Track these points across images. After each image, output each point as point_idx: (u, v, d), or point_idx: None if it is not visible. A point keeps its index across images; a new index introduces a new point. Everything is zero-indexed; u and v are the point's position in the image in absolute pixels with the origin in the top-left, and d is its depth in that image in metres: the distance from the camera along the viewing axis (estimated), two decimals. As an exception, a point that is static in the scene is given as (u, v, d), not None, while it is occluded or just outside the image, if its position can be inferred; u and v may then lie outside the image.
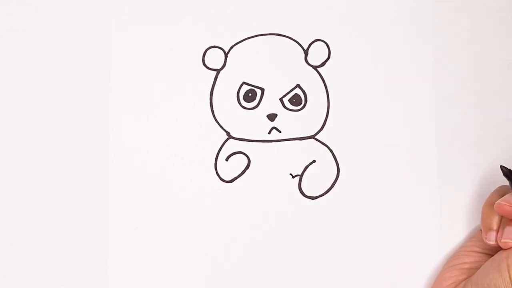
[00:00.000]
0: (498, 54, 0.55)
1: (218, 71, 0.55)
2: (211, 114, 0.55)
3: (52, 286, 0.53)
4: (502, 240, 0.49)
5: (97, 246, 0.54)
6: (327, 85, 0.55)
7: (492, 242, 0.49)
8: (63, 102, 0.55)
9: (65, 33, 0.55)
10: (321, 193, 0.54)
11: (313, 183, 0.54)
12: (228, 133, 0.55)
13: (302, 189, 0.54)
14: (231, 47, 0.55)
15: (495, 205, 0.49)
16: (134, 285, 0.54)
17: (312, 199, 0.54)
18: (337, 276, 0.54)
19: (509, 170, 0.50)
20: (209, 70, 0.55)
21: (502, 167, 0.50)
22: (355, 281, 0.54)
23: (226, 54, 0.55)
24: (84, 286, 0.53)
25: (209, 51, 0.55)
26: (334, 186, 0.54)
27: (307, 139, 0.55)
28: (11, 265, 0.54)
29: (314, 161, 0.54)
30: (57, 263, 0.54)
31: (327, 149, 0.55)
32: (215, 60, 0.55)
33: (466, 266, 0.51)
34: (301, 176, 0.54)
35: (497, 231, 0.49)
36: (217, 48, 0.55)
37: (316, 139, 0.55)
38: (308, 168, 0.54)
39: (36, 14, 0.55)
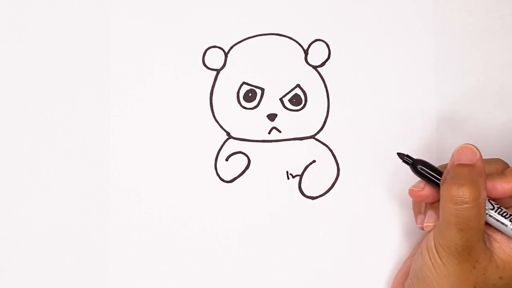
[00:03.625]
0: (498, 54, 0.55)
1: (218, 71, 0.55)
2: (211, 114, 0.55)
3: (52, 286, 0.53)
4: (424, 224, 0.48)
5: (97, 246, 0.54)
6: (327, 85, 0.55)
7: (421, 226, 0.49)
8: (63, 102, 0.55)
9: (65, 33, 0.55)
10: (321, 193, 0.54)
11: (313, 183, 0.54)
12: (228, 133, 0.55)
13: (302, 189, 0.54)
14: (231, 47, 0.55)
15: (408, 191, 0.49)
16: (134, 285, 0.54)
17: (312, 199, 0.54)
18: (337, 276, 0.54)
19: (406, 155, 0.49)
20: (209, 70, 0.55)
21: (398, 154, 0.49)
22: (355, 281, 0.54)
23: (226, 54, 0.55)
24: (84, 286, 0.53)
25: (209, 51, 0.55)
26: (334, 186, 0.54)
27: (307, 139, 0.55)
28: (11, 265, 0.54)
29: (314, 161, 0.54)
30: (57, 263, 0.54)
31: (327, 149, 0.55)
32: (215, 60, 0.55)
33: None
34: (301, 176, 0.54)
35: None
36: (217, 48, 0.55)
37: (316, 139, 0.55)
38: (308, 168, 0.54)
39: (36, 14, 0.55)
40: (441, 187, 0.46)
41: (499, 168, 0.47)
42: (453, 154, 0.47)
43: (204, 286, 0.54)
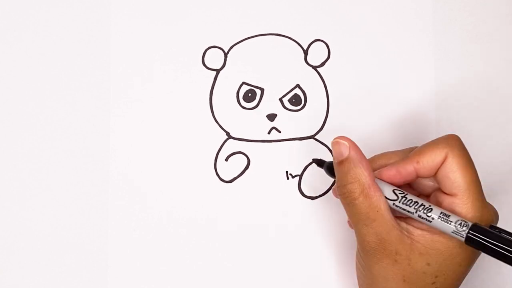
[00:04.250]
0: (498, 54, 0.55)
1: (218, 71, 0.55)
2: (210, 114, 0.55)
3: (52, 286, 0.54)
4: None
5: (97, 246, 0.54)
6: (327, 85, 0.55)
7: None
8: (63, 102, 0.55)
9: (65, 33, 0.55)
10: (320, 193, 0.54)
11: (313, 183, 0.54)
12: (227, 133, 0.55)
13: (302, 189, 0.54)
14: (231, 47, 0.55)
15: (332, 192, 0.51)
16: (134, 285, 0.54)
17: (312, 199, 0.54)
18: (337, 276, 0.54)
19: (320, 159, 0.49)
20: (209, 70, 0.55)
21: (314, 159, 0.50)
22: (355, 280, 0.54)
23: (226, 54, 0.55)
24: (84, 286, 0.54)
25: (209, 51, 0.55)
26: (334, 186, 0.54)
27: (307, 139, 0.55)
28: (11, 265, 0.54)
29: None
30: (57, 263, 0.54)
31: (327, 149, 0.55)
32: (215, 60, 0.55)
33: None
34: (300, 176, 0.54)
35: None
36: (217, 48, 0.55)
37: (316, 139, 0.55)
38: (308, 168, 0.54)
39: (36, 14, 0.55)
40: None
41: (408, 154, 0.46)
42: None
43: (204, 286, 0.54)
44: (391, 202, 0.44)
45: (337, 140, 0.46)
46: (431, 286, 0.44)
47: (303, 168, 0.54)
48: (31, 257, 0.54)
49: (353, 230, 0.46)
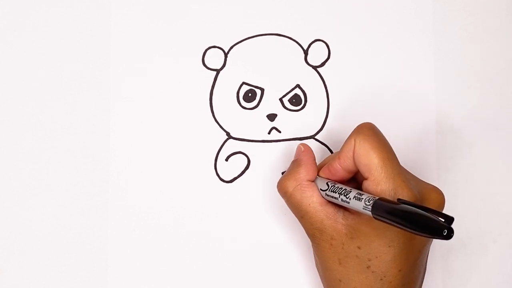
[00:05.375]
0: (498, 54, 0.55)
1: (218, 71, 0.55)
2: (211, 114, 0.55)
3: (52, 286, 0.53)
4: None
5: (97, 246, 0.54)
6: (327, 85, 0.55)
7: None
8: (63, 102, 0.55)
9: (65, 33, 0.55)
10: (321, 193, 0.54)
11: (313, 183, 0.54)
12: (228, 133, 0.55)
13: (302, 189, 0.54)
14: (231, 47, 0.55)
15: None
16: (134, 285, 0.54)
17: (312, 199, 0.54)
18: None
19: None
20: (209, 70, 0.55)
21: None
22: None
23: (226, 54, 0.55)
24: (84, 286, 0.54)
25: (209, 51, 0.55)
26: (334, 186, 0.54)
27: (307, 139, 0.55)
28: (11, 265, 0.54)
29: (314, 161, 0.54)
30: (57, 263, 0.54)
31: (327, 149, 0.55)
32: (215, 60, 0.55)
33: None
34: (301, 176, 0.54)
35: None
36: (217, 48, 0.55)
37: (316, 139, 0.55)
38: (308, 168, 0.54)
39: (36, 14, 0.55)
40: None
41: None
42: None
43: (203, 286, 0.54)
44: (323, 193, 0.48)
45: (298, 146, 0.51)
46: (367, 270, 0.46)
47: (303, 168, 0.54)
48: (31, 257, 0.54)
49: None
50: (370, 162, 0.45)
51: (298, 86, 0.55)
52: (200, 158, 0.54)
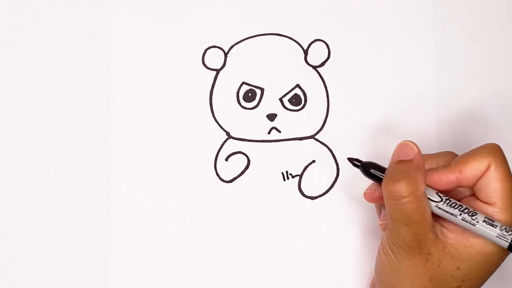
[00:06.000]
0: (498, 54, 0.55)
1: (218, 71, 0.55)
2: (210, 114, 0.55)
3: (52, 286, 0.53)
4: (379, 223, 0.49)
5: (97, 246, 0.54)
6: (327, 85, 0.55)
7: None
8: (63, 102, 0.55)
9: (65, 33, 0.55)
10: (321, 193, 0.54)
11: (313, 183, 0.54)
12: (227, 133, 0.55)
13: (302, 189, 0.54)
14: (231, 47, 0.55)
15: (363, 195, 0.50)
16: (134, 285, 0.54)
17: (312, 199, 0.54)
18: (337, 276, 0.54)
19: (356, 159, 0.49)
20: (209, 70, 0.55)
21: (348, 158, 0.50)
22: (356, 280, 0.54)
23: (226, 54, 0.55)
24: (84, 286, 0.54)
25: (209, 51, 0.55)
26: (334, 186, 0.54)
27: (306, 139, 0.55)
28: (11, 265, 0.54)
29: (313, 161, 0.54)
30: (57, 263, 0.54)
31: (327, 149, 0.55)
32: (215, 60, 0.55)
33: None
34: (300, 176, 0.54)
35: None
36: (217, 48, 0.55)
37: (316, 139, 0.55)
38: (308, 168, 0.54)
39: (36, 14, 0.55)
40: (382, 185, 0.46)
41: (447, 160, 0.47)
42: (393, 152, 0.48)
43: (203, 286, 0.54)
44: (434, 204, 0.45)
45: (407, 143, 0.47)
46: None
47: (303, 168, 0.54)
48: (31, 257, 0.54)
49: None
50: (504, 190, 0.44)
51: (298, 86, 0.55)
52: (200, 158, 0.54)
